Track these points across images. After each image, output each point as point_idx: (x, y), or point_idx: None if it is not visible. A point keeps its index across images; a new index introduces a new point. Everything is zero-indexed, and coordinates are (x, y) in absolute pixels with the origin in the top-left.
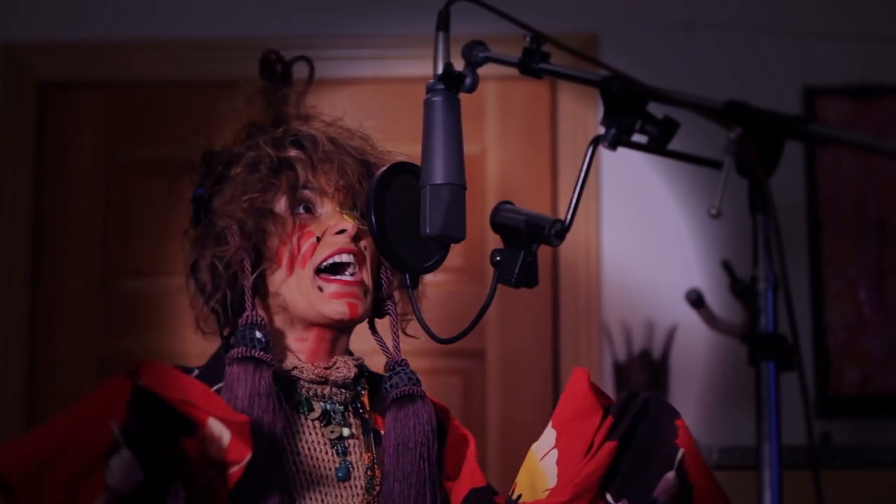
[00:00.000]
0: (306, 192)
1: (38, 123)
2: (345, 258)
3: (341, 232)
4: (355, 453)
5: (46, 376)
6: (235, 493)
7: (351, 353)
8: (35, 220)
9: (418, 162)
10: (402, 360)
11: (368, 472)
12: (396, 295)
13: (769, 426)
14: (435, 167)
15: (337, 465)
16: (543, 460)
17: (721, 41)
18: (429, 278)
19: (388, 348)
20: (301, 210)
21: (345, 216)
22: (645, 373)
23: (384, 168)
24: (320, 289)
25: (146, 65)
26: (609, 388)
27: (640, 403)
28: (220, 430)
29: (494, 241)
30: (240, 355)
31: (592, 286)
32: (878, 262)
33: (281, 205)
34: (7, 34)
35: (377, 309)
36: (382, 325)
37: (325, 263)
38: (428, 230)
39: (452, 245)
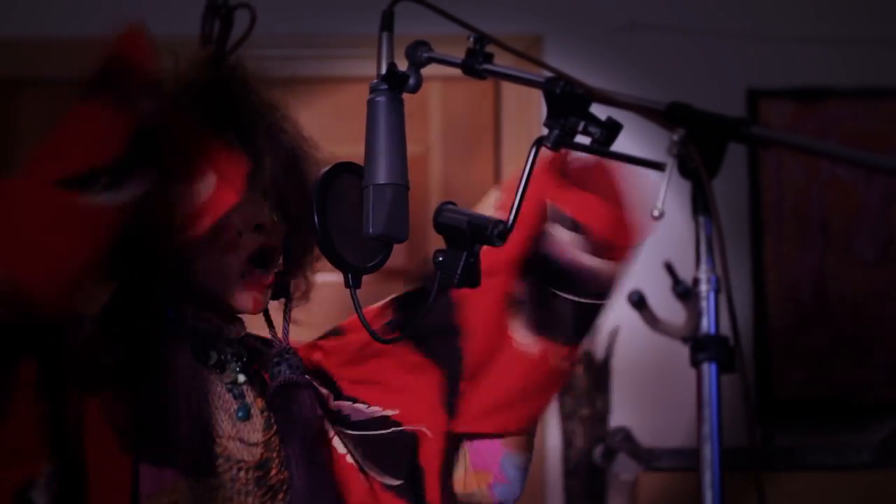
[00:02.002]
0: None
1: None
2: (264, 261)
3: (258, 227)
4: (249, 396)
5: None
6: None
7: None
8: None
9: (361, 162)
10: (289, 347)
11: (265, 414)
12: (292, 283)
13: (711, 428)
14: (378, 167)
15: (237, 406)
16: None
17: (665, 43)
18: (370, 278)
19: (276, 334)
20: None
21: (265, 207)
22: (587, 374)
23: (327, 168)
24: (242, 276)
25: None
26: None
27: None
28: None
29: (437, 241)
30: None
31: None
32: (820, 264)
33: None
34: None
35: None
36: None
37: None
38: (371, 230)
39: (395, 245)
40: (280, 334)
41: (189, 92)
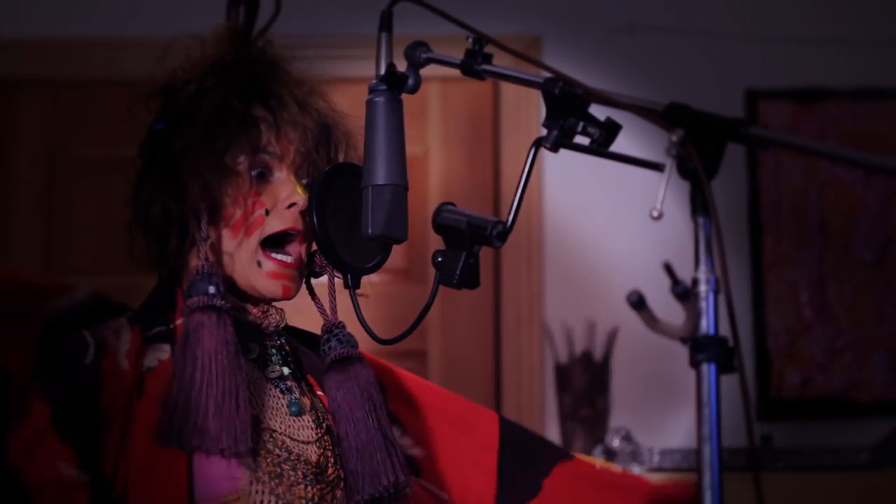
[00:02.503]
0: (265, 157)
1: None
2: (291, 232)
3: (292, 206)
4: (296, 392)
5: None
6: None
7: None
8: None
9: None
10: (339, 322)
11: (313, 412)
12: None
13: (710, 428)
14: (377, 168)
15: (286, 402)
16: None
17: (664, 44)
18: (370, 279)
19: (324, 310)
20: (255, 174)
21: (297, 188)
22: (586, 374)
23: (326, 169)
24: (259, 264)
25: (88, 63)
26: (551, 389)
27: None
28: None
29: (436, 242)
30: (202, 304)
31: (534, 287)
32: (819, 264)
33: (241, 164)
34: None
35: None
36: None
37: (270, 235)
38: (370, 231)
39: (394, 246)
40: (328, 310)
41: (218, 72)
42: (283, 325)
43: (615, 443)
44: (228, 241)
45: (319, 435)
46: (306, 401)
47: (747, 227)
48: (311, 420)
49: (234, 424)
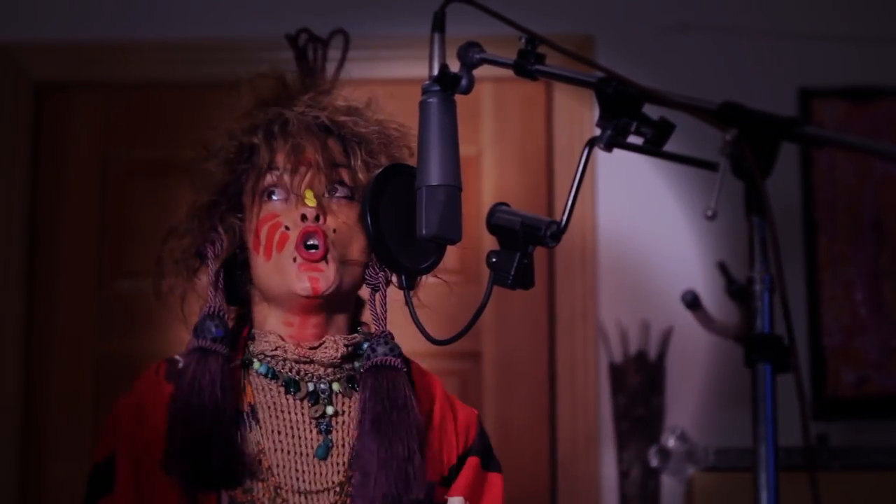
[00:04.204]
0: (269, 178)
1: (34, 125)
2: (310, 241)
3: (303, 218)
4: (340, 430)
5: (42, 378)
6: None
7: (358, 331)
8: (31, 221)
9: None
10: (388, 332)
11: (345, 452)
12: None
13: (766, 428)
14: (430, 169)
15: (318, 443)
16: None
17: (717, 43)
18: (425, 280)
19: (378, 318)
20: (266, 197)
21: (305, 198)
22: (641, 374)
23: (379, 171)
24: (294, 259)
25: (142, 66)
26: (605, 390)
27: None
28: None
29: (490, 242)
30: (192, 346)
31: (588, 287)
32: (874, 263)
33: (246, 195)
34: (3, 35)
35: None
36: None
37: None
38: (424, 232)
39: (448, 246)
40: (380, 319)
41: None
42: (339, 356)
43: (670, 442)
44: (265, 265)
45: (344, 479)
46: (357, 434)
47: (801, 227)
48: (340, 462)
49: (198, 465)
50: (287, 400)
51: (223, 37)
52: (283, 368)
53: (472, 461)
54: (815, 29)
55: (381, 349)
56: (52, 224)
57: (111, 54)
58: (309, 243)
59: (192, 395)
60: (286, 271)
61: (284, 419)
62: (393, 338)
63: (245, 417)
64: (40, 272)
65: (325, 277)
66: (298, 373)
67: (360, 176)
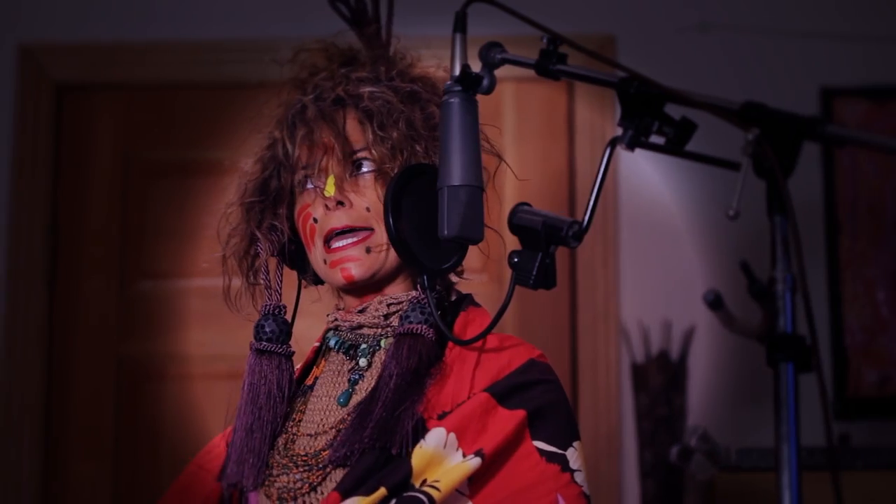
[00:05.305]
0: (300, 171)
1: (55, 125)
2: (332, 239)
3: (326, 208)
4: (367, 382)
5: (64, 378)
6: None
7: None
8: (52, 221)
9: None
10: (422, 299)
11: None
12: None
13: (788, 427)
14: (452, 169)
15: (341, 391)
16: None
17: (738, 42)
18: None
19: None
20: (300, 188)
21: (328, 185)
22: (663, 374)
23: (400, 171)
24: (325, 262)
25: (163, 67)
26: (627, 389)
27: None
28: None
29: (512, 242)
30: (251, 347)
31: (610, 287)
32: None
33: (285, 187)
34: (24, 36)
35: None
36: None
37: (328, 237)
38: (445, 232)
39: (470, 246)
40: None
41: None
42: (381, 316)
43: (692, 442)
44: (310, 255)
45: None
46: None
47: (823, 226)
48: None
49: (248, 462)
50: (337, 358)
51: (243, 38)
52: (346, 337)
53: (480, 397)
54: (836, 28)
55: (413, 316)
56: (73, 225)
57: (132, 55)
58: (332, 241)
59: (249, 394)
60: (322, 264)
61: (328, 373)
62: (430, 305)
63: (302, 391)
64: (62, 273)
65: (358, 265)
66: (355, 339)
67: (374, 152)
